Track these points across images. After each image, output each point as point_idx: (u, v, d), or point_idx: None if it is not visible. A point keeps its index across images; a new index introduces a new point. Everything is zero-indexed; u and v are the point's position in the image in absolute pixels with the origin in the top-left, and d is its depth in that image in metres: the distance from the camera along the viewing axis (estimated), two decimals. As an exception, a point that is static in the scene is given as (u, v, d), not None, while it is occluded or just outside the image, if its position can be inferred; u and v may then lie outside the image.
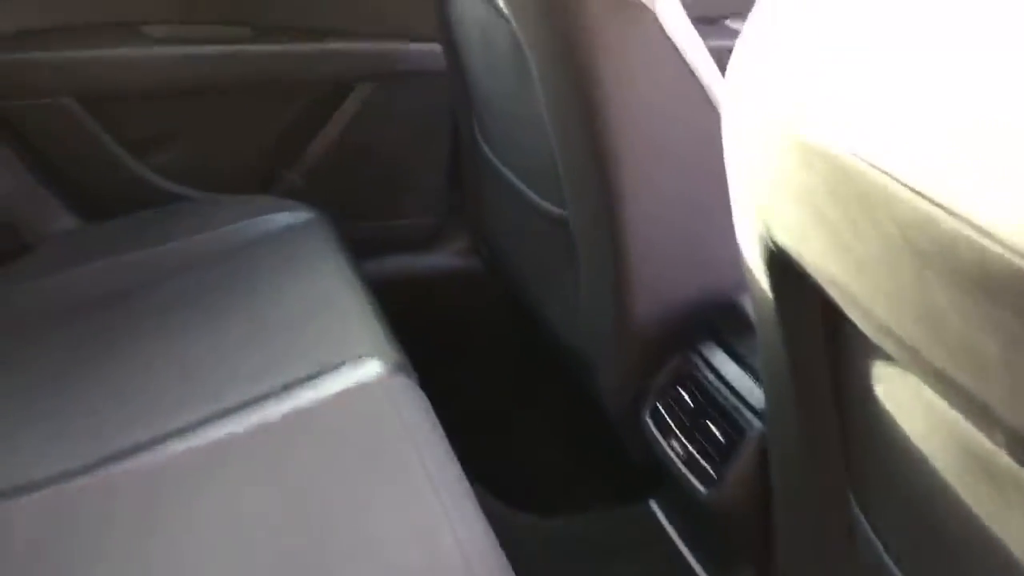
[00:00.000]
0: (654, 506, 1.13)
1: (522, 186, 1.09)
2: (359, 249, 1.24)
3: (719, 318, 0.89)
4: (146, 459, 0.89)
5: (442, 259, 1.51)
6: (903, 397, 0.49)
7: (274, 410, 0.93)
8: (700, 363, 0.88)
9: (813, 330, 0.57)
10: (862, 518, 0.60)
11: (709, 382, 0.86)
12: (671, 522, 1.11)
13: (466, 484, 0.84)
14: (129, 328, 1.09)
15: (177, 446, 0.89)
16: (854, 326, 0.49)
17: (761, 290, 0.60)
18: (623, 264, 0.86)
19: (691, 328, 0.90)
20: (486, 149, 1.21)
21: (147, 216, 1.29)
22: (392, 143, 1.42)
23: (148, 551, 0.80)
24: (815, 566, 0.70)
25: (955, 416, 0.41)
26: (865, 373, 0.54)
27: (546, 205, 1.02)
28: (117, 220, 1.29)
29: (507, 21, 0.88)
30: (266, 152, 1.38)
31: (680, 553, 1.08)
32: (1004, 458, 0.38)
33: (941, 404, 0.42)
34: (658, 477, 1.02)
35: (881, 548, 0.58)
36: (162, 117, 1.31)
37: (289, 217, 1.25)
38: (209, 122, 1.34)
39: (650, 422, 0.91)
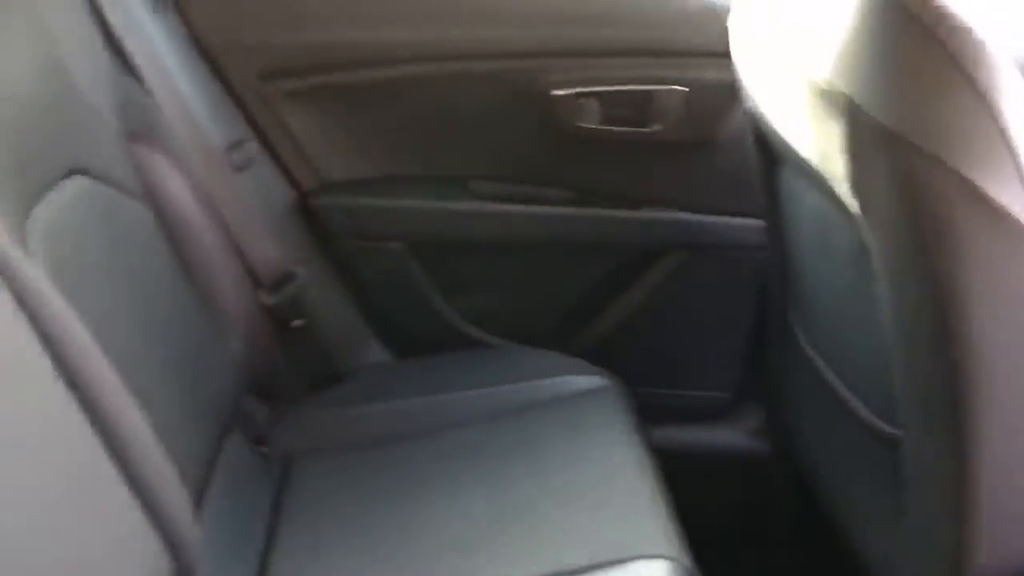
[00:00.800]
0: None
1: (841, 387, 1.00)
2: (646, 413, 1.20)
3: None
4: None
5: (732, 436, 1.43)
6: None
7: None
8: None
9: None
10: None
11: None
12: None
13: None
14: (416, 473, 1.11)
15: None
16: None
17: None
18: (970, 512, 0.75)
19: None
20: (799, 335, 1.13)
21: (449, 359, 1.33)
22: (694, 312, 1.38)
23: None
24: None
25: None
26: None
27: (872, 418, 0.92)
28: (422, 359, 1.35)
29: (849, 217, 0.83)
30: (568, 308, 1.39)
31: None
32: None
33: None
34: None
35: None
36: (475, 265, 1.36)
37: (583, 381, 1.24)
38: (518, 274, 1.37)
39: None
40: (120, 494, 0.73)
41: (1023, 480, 0.75)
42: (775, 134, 0.95)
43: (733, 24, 1.04)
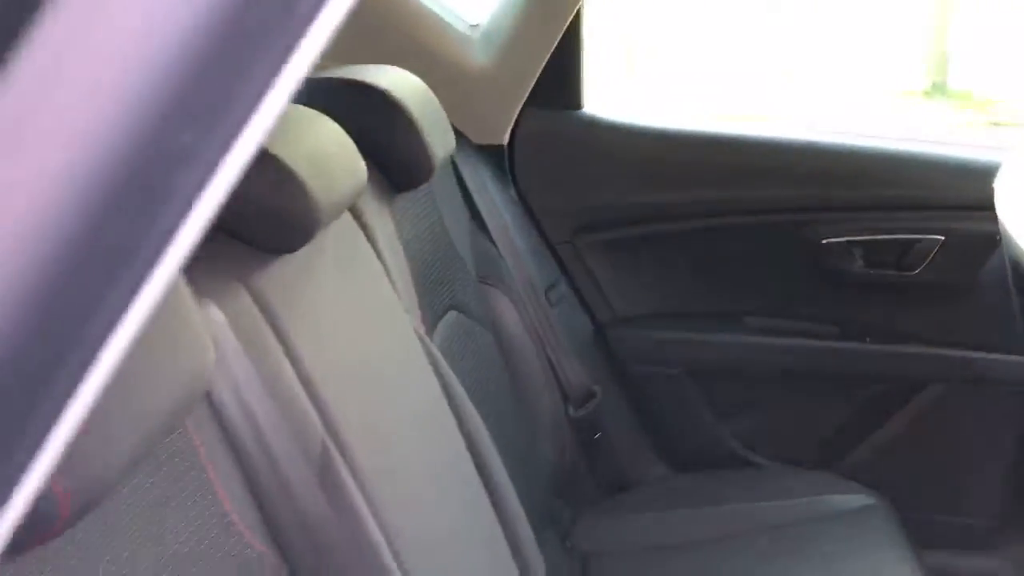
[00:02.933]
0: None
1: None
2: (913, 534, 1.29)
3: None
4: None
5: (997, 565, 1.48)
6: None
7: None
8: None
9: None
10: None
11: None
12: None
13: None
14: (703, 560, 1.26)
15: None
16: None
17: None
18: None
19: None
20: None
21: (724, 475, 1.50)
22: (955, 442, 1.47)
23: None
24: None
25: None
26: None
27: None
28: (697, 475, 1.52)
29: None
30: (831, 433, 1.52)
31: None
32: None
33: None
34: None
35: None
36: (747, 392, 1.53)
37: (851, 500, 1.36)
38: (785, 400, 1.53)
39: None
40: (495, 530, 0.97)
41: None
42: None
43: (1002, 183, 1.19)
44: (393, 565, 0.68)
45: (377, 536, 0.68)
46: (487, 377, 1.26)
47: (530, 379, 1.37)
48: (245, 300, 0.67)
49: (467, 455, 0.95)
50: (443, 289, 1.18)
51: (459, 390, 0.97)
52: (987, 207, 1.25)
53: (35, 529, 0.42)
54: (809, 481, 1.42)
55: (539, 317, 1.40)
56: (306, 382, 0.69)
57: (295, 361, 0.69)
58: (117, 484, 0.47)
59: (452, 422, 0.94)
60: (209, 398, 0.60)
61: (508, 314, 1.36)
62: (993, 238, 1.36)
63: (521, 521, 1.04)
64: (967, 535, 1.49)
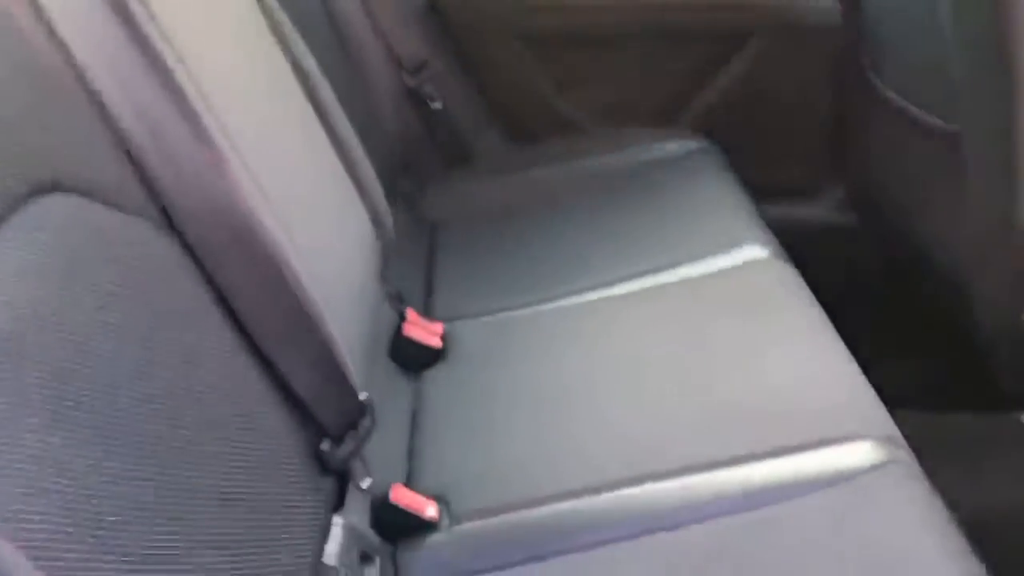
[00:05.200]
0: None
1: (907, 103, 1.15)
2: (746, 185, 1.36)
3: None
4: (574, 300, 1.11)
5: (819, 210, 1.58)
6: None
7: (672, 274, 1.11)
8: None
9: None
10: None
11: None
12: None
13: (841, 346, 0.95)
14: (540, 227, 1.31)
15: (596, 293, 1.11)
16: None
17: None
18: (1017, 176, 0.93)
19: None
20: (876, 81, 1.27)
21: (559, 142, 1.53)
22: (781, 92, 1.53)
23: (568, 360, 1.01)
24: None
25: None
26: None
27: (934, 120, 1.08)
28: (535, 143, 1.55)
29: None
30: (667, 93, 1.56)
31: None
32: None
33: None
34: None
35: None
36: (581, 60, 1.54)
37: (684, 145, 1.42)
38: (619, 66, 1.54)
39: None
40: (347, 185, 0.98)
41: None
42: None
43: None
44: (234, 158, 0.67)
45: (217, 133, 0.66)
46: (320, 52, 1.21)
47: (363, 51, 1.34)
48: None
49: (315, 117, 0.94)
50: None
51: (304, 50, 0.95)
52: None
53: None
54: (640, 135, 1.47)
55: (369, -14, 1.34)
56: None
57: None
58: None
59: (297, 86, 0.93)
60: None
61: None
62: None
63: (374, 186, 1.04)
64: (792, 183, 1.58)
